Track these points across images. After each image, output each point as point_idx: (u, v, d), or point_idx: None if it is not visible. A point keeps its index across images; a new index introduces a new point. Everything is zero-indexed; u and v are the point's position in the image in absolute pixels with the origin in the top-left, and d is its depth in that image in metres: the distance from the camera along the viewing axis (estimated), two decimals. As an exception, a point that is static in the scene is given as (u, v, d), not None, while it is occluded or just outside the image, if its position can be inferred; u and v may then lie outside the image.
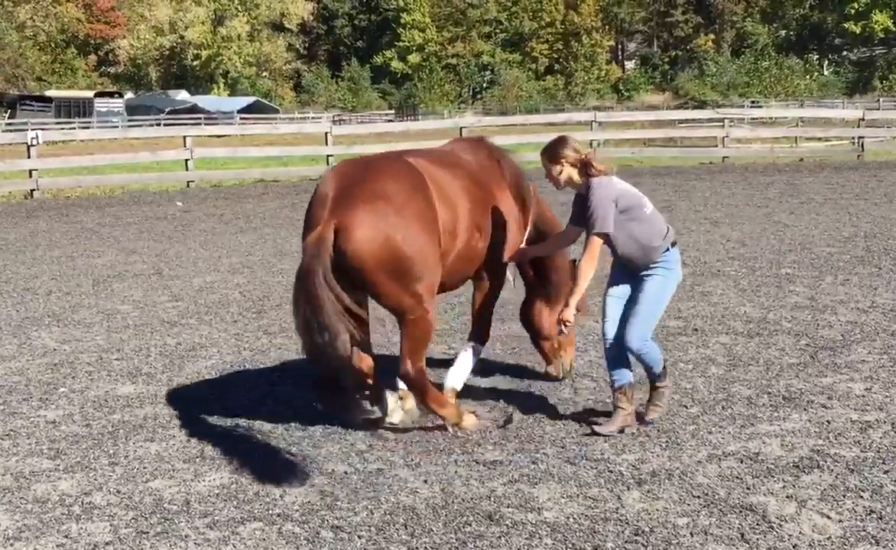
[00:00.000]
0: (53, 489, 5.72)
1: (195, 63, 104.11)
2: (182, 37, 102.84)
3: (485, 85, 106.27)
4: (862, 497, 5.27)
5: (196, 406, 7.17)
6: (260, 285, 11.99)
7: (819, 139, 35.59)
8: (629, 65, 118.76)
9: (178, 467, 5.99)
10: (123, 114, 76.02)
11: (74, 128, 55.74)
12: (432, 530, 5.04)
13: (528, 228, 7.08)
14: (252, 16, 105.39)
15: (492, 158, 6.99)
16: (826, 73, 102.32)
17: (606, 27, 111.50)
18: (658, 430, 6.36)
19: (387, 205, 5.85)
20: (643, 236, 6.21)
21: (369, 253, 5.77)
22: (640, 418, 6.43)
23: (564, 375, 7.44)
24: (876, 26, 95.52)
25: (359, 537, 4.99)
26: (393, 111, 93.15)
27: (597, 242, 6.16)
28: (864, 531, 4.88)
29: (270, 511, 5.31)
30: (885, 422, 6.41)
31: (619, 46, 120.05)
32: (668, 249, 6.28)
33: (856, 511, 5.10)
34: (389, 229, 5.80)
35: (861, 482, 5.46)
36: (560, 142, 6.38)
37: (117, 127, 60.01)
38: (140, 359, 8.62)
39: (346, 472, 5.82)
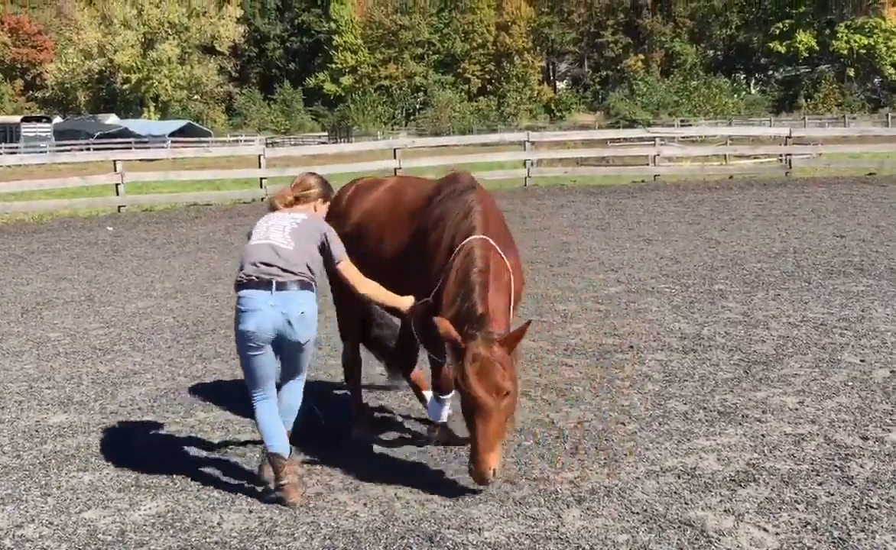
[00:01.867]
0: (-17, 522, 5.58)
1: (125, 87, 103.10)
2: (111, 60, 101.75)
3: (418, 106, 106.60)
4: (797, 509, 5.34)
5: (130, 434, 7.05)
6: (194, 310, 11.85)
7: (748, 156, 36.20)
8: (561, 85, 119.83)
9: (112, 497, 5.88)
10: (51, 138, 74.92)
11: (1, 153, 54.77)
12: (373, 554, 5.00)
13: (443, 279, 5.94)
14: (182, 39, 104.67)
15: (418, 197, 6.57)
16: (753, 91, 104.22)
17: (537, 48, 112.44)
18: (596, 448, 6.39)
19: None
20: None
21: None
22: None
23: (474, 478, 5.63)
24: (800, 46, 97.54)
25: (298, 563, 4.93)
26: (326, 133, 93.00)
27: None
28: (801, 543, 4.94)
29: (208, 539, 5.23)
30: (818, 435, 6.50)
31: (551, 67, 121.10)
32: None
33: (792, 524, 5.16)
34: None
35: (796, 494, 5.53)
36: None
37: (45, 152, 59.07)
38: (72, 388, 8.46)
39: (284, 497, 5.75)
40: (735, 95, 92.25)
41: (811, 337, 9.23)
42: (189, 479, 6.10)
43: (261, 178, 27.52)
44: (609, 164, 35.84)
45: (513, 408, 5.66)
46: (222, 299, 12.45)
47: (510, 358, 5.59)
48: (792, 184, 26.42)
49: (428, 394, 6.76)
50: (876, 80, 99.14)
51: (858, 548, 4.87)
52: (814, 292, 11.42)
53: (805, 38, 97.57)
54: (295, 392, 5.91)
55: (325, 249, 5.91)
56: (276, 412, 5.76)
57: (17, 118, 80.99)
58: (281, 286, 5.61)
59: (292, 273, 5.65)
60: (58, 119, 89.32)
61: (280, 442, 5.64)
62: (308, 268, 5.75)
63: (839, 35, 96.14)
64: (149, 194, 28.82)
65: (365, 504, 5.60)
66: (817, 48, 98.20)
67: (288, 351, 5.70)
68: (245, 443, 6.73)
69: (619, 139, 39.74)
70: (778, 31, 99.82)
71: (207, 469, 6.26)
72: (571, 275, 13.17)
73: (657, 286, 12.21)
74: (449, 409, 6.56)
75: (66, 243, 19.32)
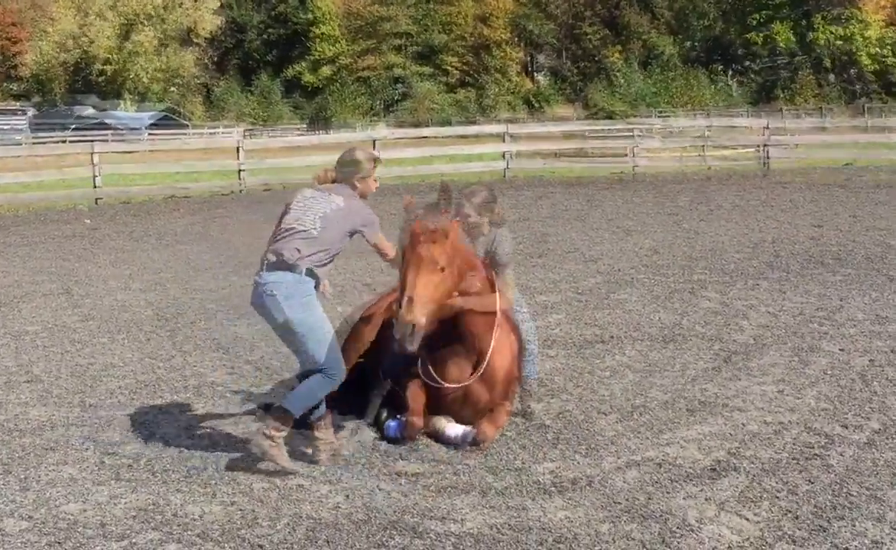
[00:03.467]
0: (-38, 516, 5.53)
1: (101, 77, 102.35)
2: (87, 50, 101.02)
3: (397, 97, 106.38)
4: (778, 497, 5.37)
5: (110, 427, 7.01)
6: (173, 302, 11.79)
7: (726, 148, 36.30)
8: (540, 77, 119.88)
9: (92, 490, 5.85)
10: (27, 130, 74.39)
11: (-25, 146, 54.27)
12: (355, 545, 4.99)
13: None
14: (160, 29, 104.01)
15: None
16: (731, 83, 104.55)
17: (517, 40, 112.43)
18: (577, 438, 6.40)
19: None
20: None
21: None
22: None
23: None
24: (777, 38, 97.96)
25: (281, 555, 4.92)
26: (305, 124, 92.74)
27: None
28: (781, 530, 4.97)
29: (189, 532, 5.21)
30: (797, 423, 6.54)
31: (530, 59, 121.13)
32: None
33: (772, 512, 5.19)
34: None
35: (776, 483, 5.56)
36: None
37: (21, 144, 58.67)
38: (50, 381, 8.40)
39: (265, 489, 5.74)
40: (713, 87, 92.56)
41: (790, 326, 9.28)
42: (170, 472, 6.07)
43: (239, 169, 27.41)
44: (588, 156, 35.86)
45: (448, 281, 6.00)
46: (201, 291, 12.40)
47: (455, 235, 6.08)
48: (770, 176, 26.57)
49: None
50: (852, 71, 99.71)
51: (838, 536, 4.90)
52: (792, 282, 11.49)
53: (782, 31, 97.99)
54: (307, 383, 6.01)
55: (354, 233, 6.17)
56: (301, 381, 6.11)
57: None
58: (270, 266, 5.94)
59: (284, 253, 5.93)
60: (33, 110, 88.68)
61: (286, 401, 6.02)
62: (315, 252, 5.97)
63: (816, 27, 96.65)
64: (126, 186, 28.67)
65: (347, 496, 5.59)
66: (794, 40, 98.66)
67: (275, 330, 6.04)
68: (227, 435, 6.70)
69: (597, 131, 39.74)
70: (755, 22, 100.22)
71: (188, 462, 6.23)
72: (551, 267, 13.19)
73: (637, 277, 12.24)
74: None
75: (44, 235, 19.18)
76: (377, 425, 6.59)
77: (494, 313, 6.42)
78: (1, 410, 7.58)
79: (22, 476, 6.11)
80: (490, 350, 6.40)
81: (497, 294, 6.48)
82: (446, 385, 6.39)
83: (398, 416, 6.47)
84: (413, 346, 5.83)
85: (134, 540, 5.14)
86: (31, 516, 5.50)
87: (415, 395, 6.41)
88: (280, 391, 7.60)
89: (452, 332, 6.32)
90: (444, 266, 5.98)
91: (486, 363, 6.39)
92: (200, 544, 5.07)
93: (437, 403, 6.44)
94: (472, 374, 6.40)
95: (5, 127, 74.44)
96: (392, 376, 6.62)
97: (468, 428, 6.34)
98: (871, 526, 4.99)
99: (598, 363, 8.28)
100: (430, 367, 6.44)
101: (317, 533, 5.13)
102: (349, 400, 6.78)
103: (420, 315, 5.76)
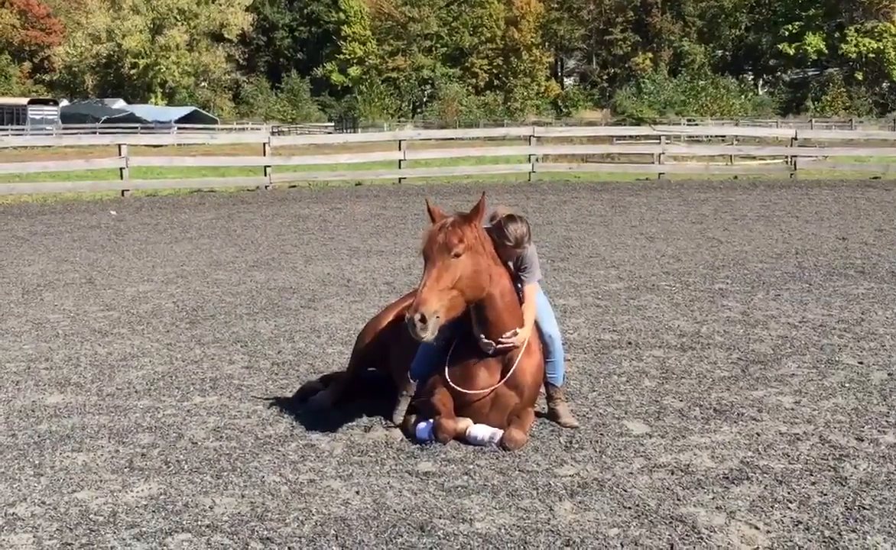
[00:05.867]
0: (-24, 500, 5.58)
1: (132, 72, 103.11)
2: (119, 45, 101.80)
3: (425, 99, 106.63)
4: (789, 508, 5.33)
5: (126, 416, 7.05)
6: (194, 295, 11.85)
7: (753, 157, 36.15)
8: (568, 81, 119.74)
9: (105, 478, 5.88)
10: (58, 121, 75.07)
11: (7, 135, 54.88)
12: (363, 541, 4.99)
13: None
14: (191, 26, 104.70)
15: None
16: (760, 92, 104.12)
17: (546, 44, 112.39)
18: (591, 441, 6.38)
19: None
20: None
21: None
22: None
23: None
24: (809, 48, 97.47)
25: (289, 548, 4.93)
26: (332, 123, 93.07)
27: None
28: (792, 541, 4.93)
29: (199, 523, 5.23)
30: (812, 435, 6.49)
31: (559, 63, 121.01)
32: None
33: (783, 522, 5.15)
34: None
35: (789, 493, 5.52)
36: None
37: (51, 134, 59.18)
38: (69, 369, 8.46)
39: (276, 483, 5.75)
40: (742, 96, 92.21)
41: (810, 337, 9.22)
42: (183, 462, 6.10)
43: (265, 166, 27.55)
44: (614, 161, 35.80)
45: (467, 270, 6.05)
46: (222, 285, 12.46)
47: (473, 230, 6.14)
48: (796, 186, 26.41)
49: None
50: (884, 84, 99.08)
51: (849, 548, 4.87)
52: (814, 293, 11.41)
53: (814, 41, 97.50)
54: (558, 353, 6.91)
55: None
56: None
57: (25, 100, 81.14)
58: None
59: None
60: (65, 102, 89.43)
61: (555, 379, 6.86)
62: None
63: (848, 38, 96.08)
64: (153, 179, 28.84)
65: (357, 492, 5.60)
66: (826, 51, 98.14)
67: None
68: (241, 428, 6.72)
69: (624, 136, 39.63)
70: (787, 33, 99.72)
71: (201, 453, 6.26)
72: (572, 271, 13.17)
73: (658, 283, 12.20)
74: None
75: (69, 226, 19.34)
76: (405, 428, 6.59)
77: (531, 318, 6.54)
78: (19, 396, 7.65)
79: (36, 462, 6.16)
80: (520, 354, 6.42)
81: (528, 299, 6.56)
82: (474, 390, 6.38)
83: (428, 419, 6.46)
84: (426, 336, 5.86)
85: (144, 529, 5.16)
86: (44, 501, 5.54)
87: (442, 397, 6.41)
88: (296, 386, 7.63)
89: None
90: (461, 252, 6.03)
91: (514, 367, 6.40)
92: (210, 535, 5.09)
93: (465, 407, 6.44)
94: (501, 378, 6.41)
95: (37, 117, 75.08)
96: (420, 377, 6.61)
97: (495, 430, 6.35)
98: (881, 540, 4.95)
99: (614, 368, 8.25)
100: (457, 371, 6.44)
101: (326, 528, 5.14)
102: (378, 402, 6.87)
103: (431, 304, 5.86)
